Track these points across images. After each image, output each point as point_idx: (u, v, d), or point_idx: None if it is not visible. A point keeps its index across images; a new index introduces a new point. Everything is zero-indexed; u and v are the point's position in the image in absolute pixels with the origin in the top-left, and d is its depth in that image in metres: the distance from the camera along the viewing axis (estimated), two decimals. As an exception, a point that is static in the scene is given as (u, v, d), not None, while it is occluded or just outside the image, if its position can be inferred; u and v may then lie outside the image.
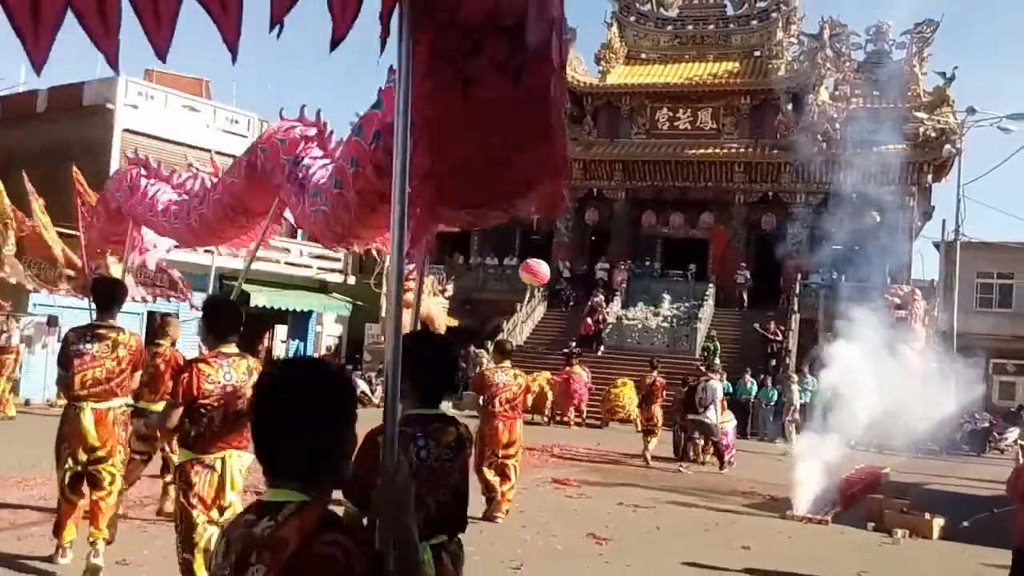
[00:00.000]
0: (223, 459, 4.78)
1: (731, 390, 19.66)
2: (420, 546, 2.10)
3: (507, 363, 9.48)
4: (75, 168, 10.67)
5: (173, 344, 8.22)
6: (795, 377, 21.80)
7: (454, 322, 28.56)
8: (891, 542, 9.77)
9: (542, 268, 14.47)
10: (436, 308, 27.21)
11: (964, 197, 30.43)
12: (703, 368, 20.66)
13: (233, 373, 4.76)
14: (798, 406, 20.45)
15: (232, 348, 4.92)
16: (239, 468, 4.85)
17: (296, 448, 1.79)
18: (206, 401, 4.68)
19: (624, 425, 21.98)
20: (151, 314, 22.16)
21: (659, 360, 17.91)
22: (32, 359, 19.04)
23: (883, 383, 11.18)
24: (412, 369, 2.75)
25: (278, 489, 1.79)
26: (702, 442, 15.88)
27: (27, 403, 17.72)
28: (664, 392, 16.38)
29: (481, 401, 9.14)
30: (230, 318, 5.01)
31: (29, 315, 19.19)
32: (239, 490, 4.87)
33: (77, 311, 19.71)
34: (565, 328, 28.94)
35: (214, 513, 4.74)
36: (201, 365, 4.76)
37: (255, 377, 4.37)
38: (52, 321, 18.84)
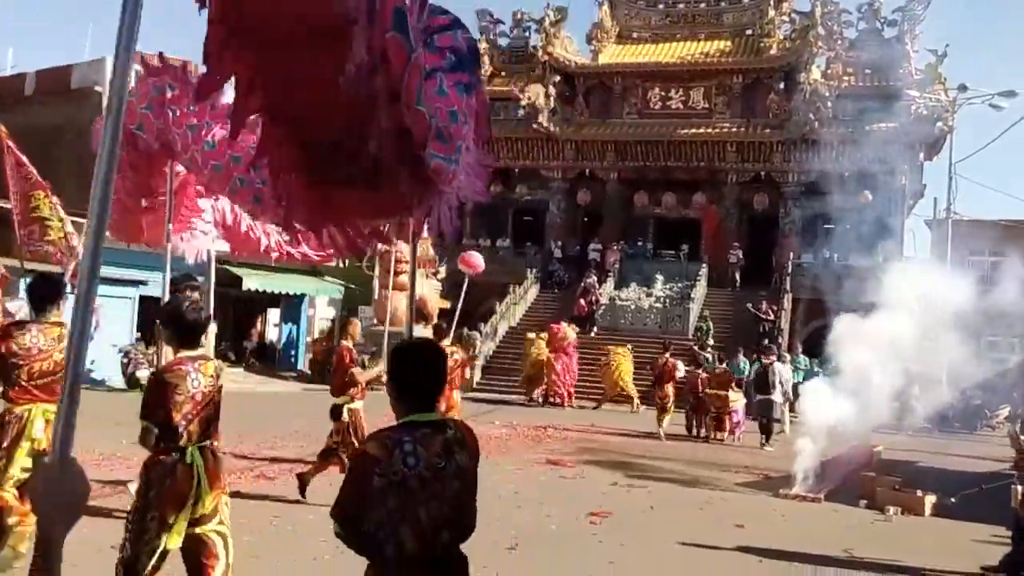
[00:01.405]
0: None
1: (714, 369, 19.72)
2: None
3: (445, 342, 9.64)
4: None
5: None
6: (788, 356, 21.84)
7: (446, 304, 28.53)
8: (883, 519, 9.83)
9: (477, 259, 14.90)
10: (429, 290, 27.19)
11: (956, 175, 30.43)
12: (696, 349, 20.81)
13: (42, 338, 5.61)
14: (790, 386, 20.48)
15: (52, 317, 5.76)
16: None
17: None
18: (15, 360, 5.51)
19: (616, 404, 22.07)
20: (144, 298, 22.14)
21: (670, 342, 18.73)
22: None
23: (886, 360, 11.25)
24: (399, 378, 2.99)
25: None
26: (718, 420, 17.00)
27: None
28: (676, 372, 17.41)
29: None
30: (45, 291, 5.95)
31: (21, 300, 19.11)
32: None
33: (68, 295, 19.68)
34: (558, 309, 28.95)
35: None
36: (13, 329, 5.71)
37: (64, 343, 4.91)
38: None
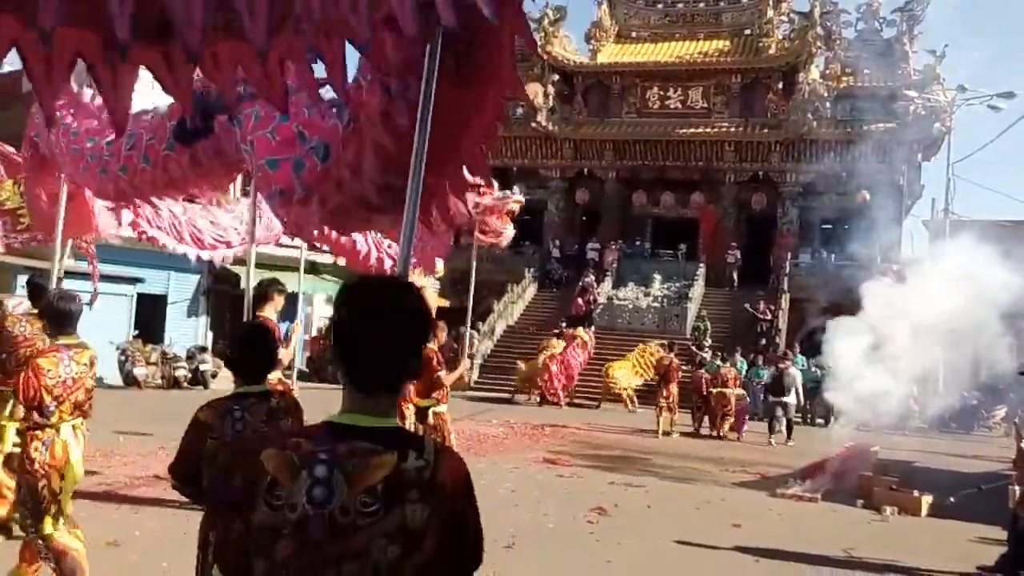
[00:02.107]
0: None
1: (718, 369, 19.76)
2: None
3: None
4: None
5: None
6: (788, 354, 21.85)
7: (445, 303, 28.50)
8: (880, 519, 9.84)
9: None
10: (427, 289, 27.18)
11: (954, 176, 30.54)
12: (694, 348, 20.84)
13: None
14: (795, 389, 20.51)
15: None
16: None
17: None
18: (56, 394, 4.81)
19: (615, 404, 22.09)
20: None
21: (674, 342, 20.04)
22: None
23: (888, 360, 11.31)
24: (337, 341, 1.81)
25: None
26: (723, 418, 17.60)
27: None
28: (680, 372, 17.84)
29: None
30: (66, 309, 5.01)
31: (18, 297, 19.08)
32: None
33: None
34: (556, 308, 28.95)
35: None
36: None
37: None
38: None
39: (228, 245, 8.68)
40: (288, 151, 3.58)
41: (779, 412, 17.51)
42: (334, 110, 3.47)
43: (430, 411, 8.36)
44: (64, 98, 6.16)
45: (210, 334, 25.97)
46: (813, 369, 21.12)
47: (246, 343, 3.57)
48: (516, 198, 11.55)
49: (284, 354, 7.75)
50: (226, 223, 8.71)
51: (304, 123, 3.56)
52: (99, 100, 6.00)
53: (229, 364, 3.62)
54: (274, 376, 7.64)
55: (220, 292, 26.21)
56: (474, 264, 10.91)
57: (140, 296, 22.20)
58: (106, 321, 21.06)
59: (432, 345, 8.77)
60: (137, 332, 22.01)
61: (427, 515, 1.67)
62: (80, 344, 4.94)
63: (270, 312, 7.79)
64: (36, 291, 6.67)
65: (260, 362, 3.50)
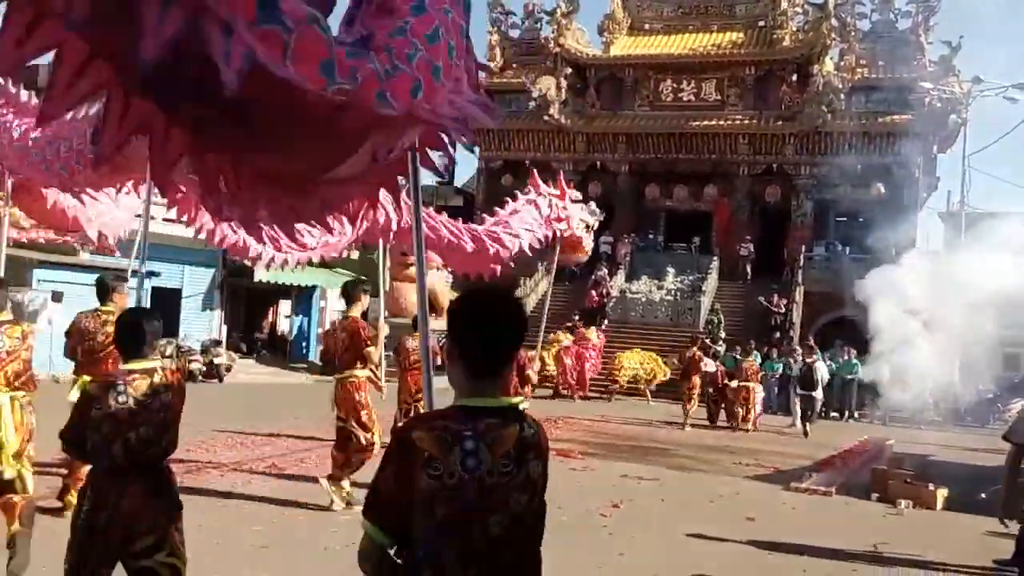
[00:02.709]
0: None
1: (733, 363, 19.76)
2: None
3: (354, 310, 8.41)
4: None
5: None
6: (799, 350, 21.79)
7: (455, 294, 28.53)
8: (895, 512, 9.79)
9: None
10: (440, 283, 27.19)
11: (969, 168, 30.31)
12: (708, 341, 20.81)
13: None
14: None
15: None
16: None
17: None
18: None
19: (629, 397, 22.08)
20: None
21: (697, 335, 20.43)
22: (36, 335, 19.06)
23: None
24: (461, 336, 2.18)
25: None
26: (747, 411, 18.14)
27: (32, 379, 17.77)
28: (702, 365, 18.21)
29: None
30: None
31: (34, 291, 19.21)
32: None
33: (80, 287, 19.78)
34: (569, 302, 28.90)
35: None
36: None
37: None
38: (57, 296, 18.84)
39: (304, 248, 8.75)
40: None
41: (806, 404, 18.39)
42: None
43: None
44: (1, 97, 6.88)
45: (225, 328, 26.09)
46: (828, 363, 21.07)
47: (123, 325, 3.86)
48: (598, 215, 12.05)
49: (373, 352, 8.08)
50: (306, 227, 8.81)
51: None
52: (35, 100, 6.76)
53: (115, 343, 3.96)
54: (363, 373, 8.05)
55: (235, 286, 26.33)
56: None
57: (155, 290, 22.31)
58: (121, 315, 21.20)
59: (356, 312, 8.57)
60: (152, 325, 22.10)
61: (540, 469, 2.22)
62: (10, 321, 5.44)
63: (357, 311, 8.15)
64: (102, 289, 7.44)
65: (137, 341, 3.78)
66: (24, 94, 7.23)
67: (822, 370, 19.05)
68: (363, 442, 7.79)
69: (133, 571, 3.67)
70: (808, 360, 18.89)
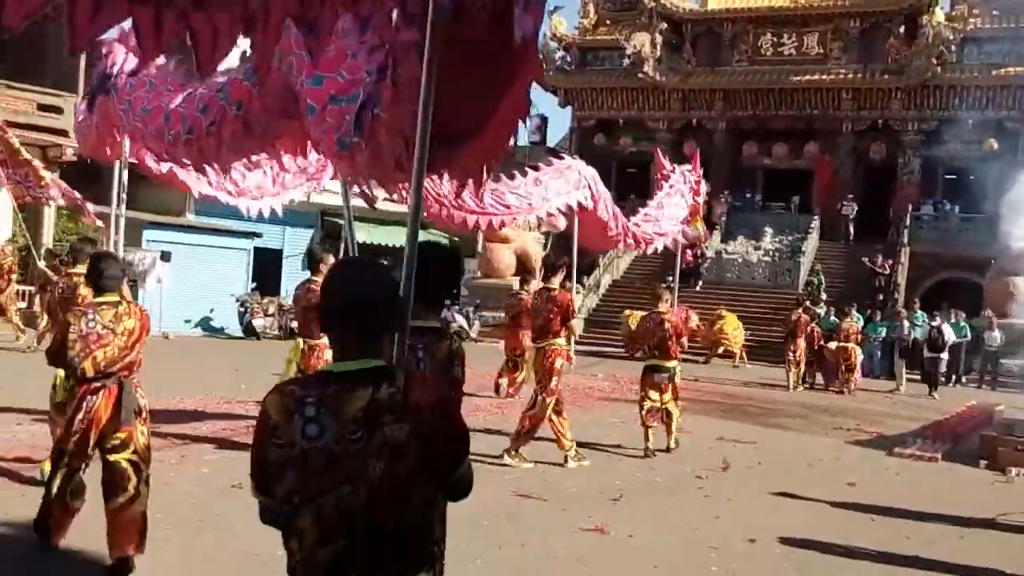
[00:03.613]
0: None
1: (833, 326, 19.28)
2: None
3: (555, 281, 8.82)
4: None
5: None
6: (905, 312, 21.10)
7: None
8: (1005, 480, 9.45)
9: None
10: (532, 243, 27.22)
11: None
12: (809, 303, 20.38)
13: None
14: (909, 342, 19.87)
15: None
16: None
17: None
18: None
19: (724, 359, 21.79)
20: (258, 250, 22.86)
21: (804, 298, 20.89)
22: (144, 294, 19.89)
23: None
24: (324, 308, 2.18)
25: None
26: (848, 372, 18.04)
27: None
28: (808, 327, 18.19)
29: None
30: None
31: (143, 251, 20.02)
32: None
33: (188, 247, 20.52)
34: (662, 263, 28.54)
35: None
36: None
37: None
38: (165, 256, 19.60)
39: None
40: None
41: (934, 366, 18.85)
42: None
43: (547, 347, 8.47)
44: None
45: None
46: (933, 324, 20.37)
47: (90, 267, 4.95)
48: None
49: (575, 324, 8.81)
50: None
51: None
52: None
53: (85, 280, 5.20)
54: (563, 342, 8.58)
55: (334, 247, 26.86)
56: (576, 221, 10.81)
57: (257, 250, 22.96)
58: (226, 274, 21.86)
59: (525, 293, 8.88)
60: (255, 285, 22.81)
61: (404, 433, 1.99)
62: (113, 302, 4.83)
63: (557, 283, 8.61)
64: (311, 259, 7.96)
65: (100, 280, 4.77)
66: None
67: (948, 333, 19.26)
68: (542, 403, 8.24)
69: (105, 464, 4.71)
70: (934, 323, 19.45)
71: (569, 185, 10.03)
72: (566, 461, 8.37)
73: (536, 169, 10.04)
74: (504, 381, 12.84)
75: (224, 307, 21.52)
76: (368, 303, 2.09)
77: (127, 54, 6.21)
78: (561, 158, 10.75)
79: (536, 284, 13.26)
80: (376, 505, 1.99)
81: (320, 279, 7.53)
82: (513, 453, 8.21)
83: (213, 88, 4.42)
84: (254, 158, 5.89)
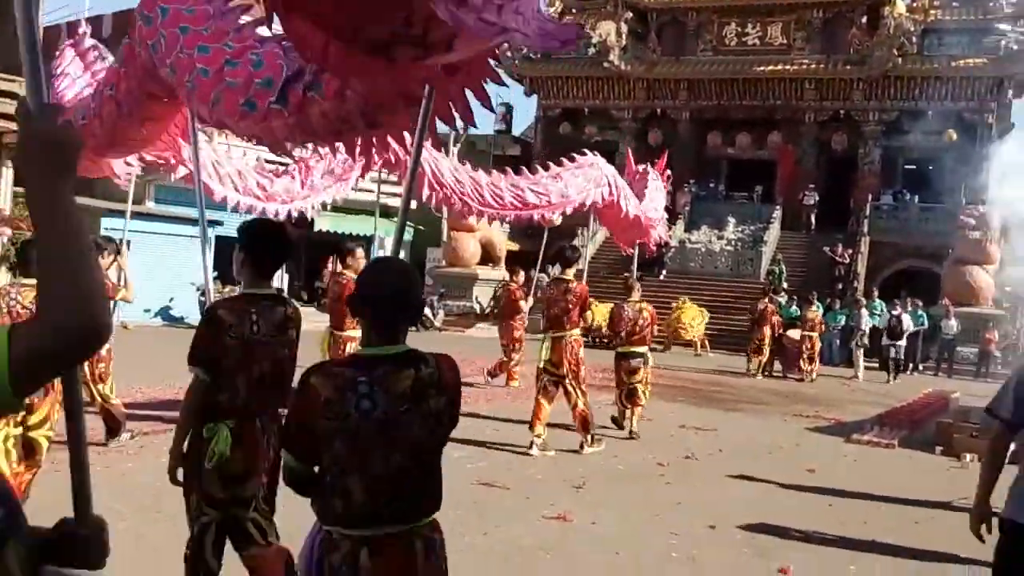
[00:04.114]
0: None
1: (797, 314, 19.51)
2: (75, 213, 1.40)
3: (570, 272, 9.04)
4: None
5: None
6: (864, 301, 21.40)
7: (515, 246, 28.53)
8: (960, 466, 9.63)
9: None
10: (497, 233, 27.20)
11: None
12: (771, 292, 20.62)
13: None
14: (866, 331, 20.15)
15: None
16: None
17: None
18: None
19: (687, 348, 21.94)
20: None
21: (769, 287, 21.30)
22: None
23: None
24: (361, 303, 2.49)
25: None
26: (810, 360, 18.34)
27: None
28: (774, 316, 18.59)
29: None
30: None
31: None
32: None
33: (146, 235, 20.23)
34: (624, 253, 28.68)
35: None
36: None
37: None
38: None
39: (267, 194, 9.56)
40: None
41: (892, 353, 19.62)
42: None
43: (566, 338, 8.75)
44: None
45: (286, 276, 26.49)
46: (894, 313, 20.72)
47: (17, 252, 5.81)
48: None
49: (590, 315, 9.17)
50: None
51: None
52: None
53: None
54: (578, 331, 8.85)
55: (296, 235, 26.65)
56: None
57: (219, 238, 22.70)
58: (187, 262, 21.63)
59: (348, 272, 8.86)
60: (216, 273, 22.55)
61: (443, 403, 2.45)
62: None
63: (572, 274, 8.97)
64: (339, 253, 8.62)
65: (25, 263, 5.39)
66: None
67: (907, 321, 19.92)
68: (579, 393, 8.74)
69: (24, 439, 5.00)
70: (895, 312, 20.04)
71: (590, 182, 10.44)
72: (531, 447, 8.50)
73: (559, 164, 10.56)
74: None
75: (185, 296, 21.29)
76: (403, 296, 2.46)
77: (75, 58, 6.45)
78: (583, 154, 11.01)
79: (522, 276, 13.70)
80: (417, 462, 2.42)
81: (350, 272, 8.47)
82: (590, 440, 8.82)
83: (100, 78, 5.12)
84: (281, 168, 6.62)
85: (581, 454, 8.65)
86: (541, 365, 8.79)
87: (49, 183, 1.37)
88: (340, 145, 3.68)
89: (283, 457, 2.50)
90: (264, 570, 3.66)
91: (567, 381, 8.70)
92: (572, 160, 10.73)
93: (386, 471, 2.36)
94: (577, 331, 8.78)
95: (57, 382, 4.66)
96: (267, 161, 10.08)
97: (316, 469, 2.42)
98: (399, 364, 2.41)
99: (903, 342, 19.74)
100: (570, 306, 8.63)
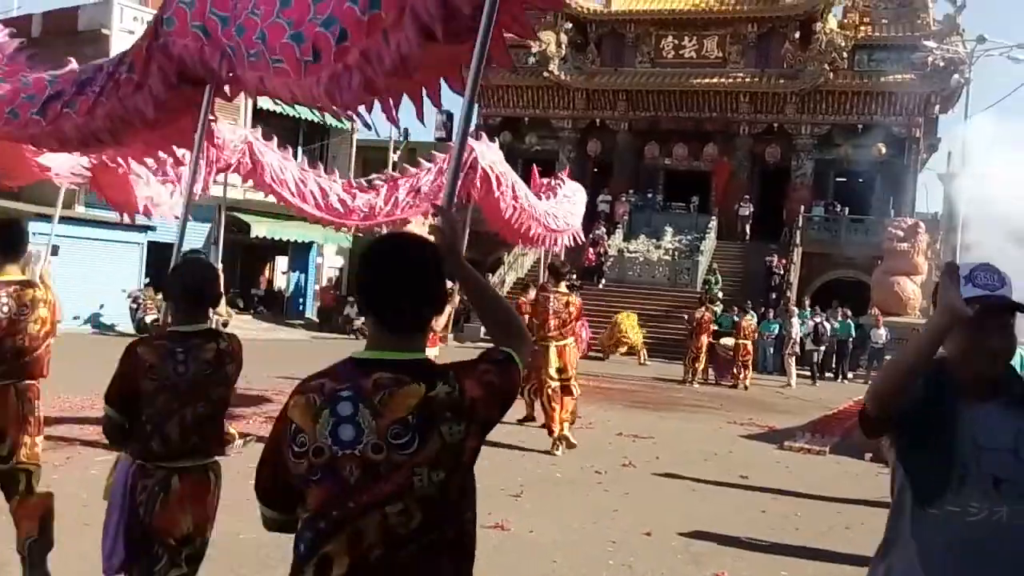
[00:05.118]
0: None
1: (731, 323, 19.82)
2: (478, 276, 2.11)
3: (562, 286, 10.07)
4: None
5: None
6: (795, 310, 21.84)
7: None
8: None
9: None
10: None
11: (969, 128, 30.01)
12: (707, 300, 20.89)
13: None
14: (798, 339, 20.57)
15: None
16: None
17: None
18: None
19: (628, 356, 22.12)
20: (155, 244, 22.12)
21: (706, 296, 21.78)
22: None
23: None
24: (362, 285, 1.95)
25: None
26: (744, 368, 18.82)
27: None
28: (711, 326, 18.91)
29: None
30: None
31: (30, 244, 19.11)
32: None
33: (77, 240, 19.70)
34: (567, 260, 28.82)
35: None
36: None
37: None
38: (55, 250, 18.73)
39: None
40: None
41: (815, 358, 21.07)
42: None
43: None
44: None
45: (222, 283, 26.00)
46: (828, 323, 21.25)
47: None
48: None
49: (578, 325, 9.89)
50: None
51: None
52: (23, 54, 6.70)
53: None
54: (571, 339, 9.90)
55: (232, 241, 26.21)
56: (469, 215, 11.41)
57: (151, 244, 22.23)
58: (118, 269, 21.13)
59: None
60: (148, 280, 22.08)
61: (462, 435, 1.77)
62: (21, 282, 4.59)
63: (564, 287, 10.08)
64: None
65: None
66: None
67: (825, 327, 21.79)
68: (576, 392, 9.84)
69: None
70: (816, 320, 21.42)
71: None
72: (556, 448, 9.39)
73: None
74: None
75: (115, 303, 20.78)
76: (409, 283, 1.84)
77: None
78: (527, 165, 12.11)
79: (533, 292, 13.54)
80: (428, 529, 1.74)
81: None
82: (567, 442, 9.45)
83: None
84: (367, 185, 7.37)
85: (521, 460, 8.62)
86: (551, 371, 9.58)
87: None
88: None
89: (107, 411, 2.84)
90: None
91: (572, 383, 9.76)
92: None
93: (384, 535, 1.69)
94: (571, 339, 9.92)
95: (17, 407, 4.42)
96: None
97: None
98: (399, 374, 1.76)
99: (823, 347, 21.44)
100: (571, 317, 9.81)
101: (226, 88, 4.33)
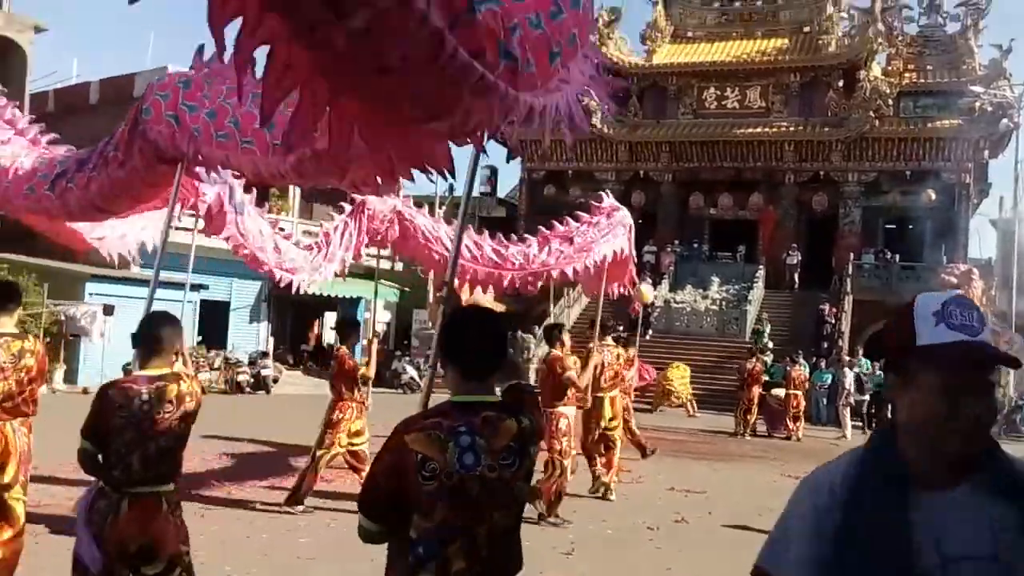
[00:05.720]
0: None
1: (782, 374, 19.51)
2: None
3: (608, 339, 10.67)
4: None
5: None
6: (848, 359, 21.46)
7: (500, 307, 28.53)
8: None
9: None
10: (479, 293, 27.21)
11: (1022, 173, 29.62)
12: (757, 351, 20.70)
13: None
14: (852, 389, 20.16)
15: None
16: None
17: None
18: None
19: (675, 409, 21.86)
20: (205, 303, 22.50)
21: (757, 348, 21.43)
22: (89, 347, 19.42)
23: None
24: (451, 345, 2.47)
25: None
26: (795, 420, 18.58)
27: (84, 391, 18.09)
28: (763, 377, 18.69)
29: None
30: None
31: (85, 304, 19.59)
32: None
33: (132, 300, 20.13)
34: (612, 312, 28.74)
35: None
36: None
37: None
38: (108, 310, 19.21)
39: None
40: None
41: (863, 408, 20.83)
42: None
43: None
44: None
45: (271, 340, 26.36)
46: (878, 373, 20.75)
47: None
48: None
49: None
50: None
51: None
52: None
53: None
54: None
55: (281, 298, 26.61)
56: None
57: (203, 302, 22.62)
58: (171, 327, 21.53)
59: (558, 351, 8.79)
60: (200, 338, 22.43)
61: (535, 453, 2.44)
62: (12, 334, 5.02)
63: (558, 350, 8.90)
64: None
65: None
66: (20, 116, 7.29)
67: (866, 378, 21.30)
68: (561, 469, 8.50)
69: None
70: (856, 369, 20.86)
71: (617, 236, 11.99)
72: (609, 492, 9.83)
73: (548, 227, 11.80)
74: None
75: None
76: (492, 343, 2.45)
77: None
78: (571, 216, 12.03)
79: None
80: (513, 523, 2.39)
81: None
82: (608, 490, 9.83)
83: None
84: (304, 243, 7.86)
85: (566, 522, 8.47)
86: (604, 424, 9.89)
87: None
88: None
89: (360, 520, 2.45)
90: None
91: (617, 432, 10.13)
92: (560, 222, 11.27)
93: (490, 537, 2.28)
94: (618, 390, 10.40)
95: (18, 442, 4.99)
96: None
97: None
98: (498, 412, 2.36)
99: (867, 396, 21.03)
100: (623, 370, 10.47)
101: (197, 167, 5.13)
